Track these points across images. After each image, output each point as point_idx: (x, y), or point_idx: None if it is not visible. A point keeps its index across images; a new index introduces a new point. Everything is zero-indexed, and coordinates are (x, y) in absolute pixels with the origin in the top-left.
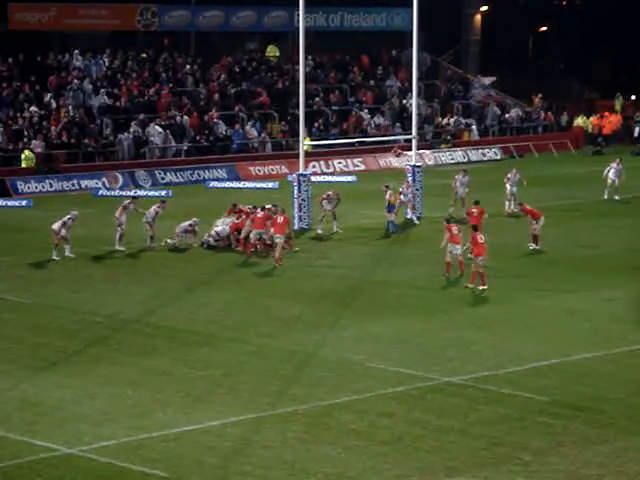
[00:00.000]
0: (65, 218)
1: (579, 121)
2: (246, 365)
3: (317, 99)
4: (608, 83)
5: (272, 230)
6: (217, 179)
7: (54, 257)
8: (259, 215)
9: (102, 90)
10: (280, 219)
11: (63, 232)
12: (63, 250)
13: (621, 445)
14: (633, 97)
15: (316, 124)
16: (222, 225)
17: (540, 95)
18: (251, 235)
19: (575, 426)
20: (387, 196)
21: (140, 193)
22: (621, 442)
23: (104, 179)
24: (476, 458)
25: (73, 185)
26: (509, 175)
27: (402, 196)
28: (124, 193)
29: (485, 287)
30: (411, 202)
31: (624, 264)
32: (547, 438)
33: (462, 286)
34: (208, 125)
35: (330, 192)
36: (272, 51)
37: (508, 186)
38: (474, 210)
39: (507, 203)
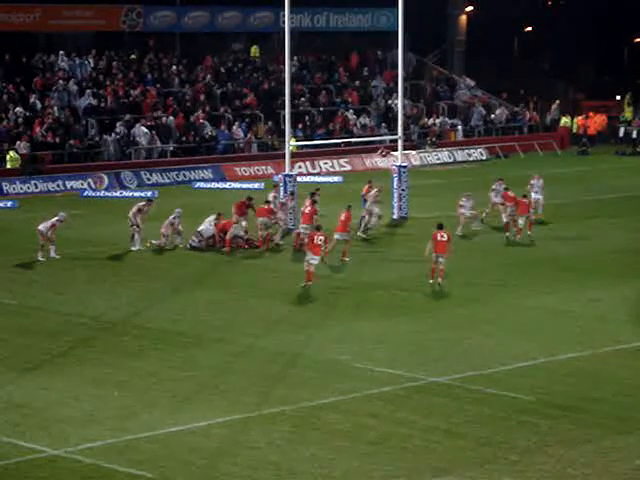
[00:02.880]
0: (54, 220)
1: (563, 121)
2: (232, 366)
3: (303, 99)
4: (593, 83)
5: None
6: (203, 180)
7: (39, 258)
8: (307, 211)
9: (87, 91)
10: (342, 216)
11: (49, 233)
12: (48, 251)
13: (607, 444)
14: (618, 97)
15: (302, 125)
16: (206, 224)
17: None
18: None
19: (561, 426)
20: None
21: (125, 194)
22: (607, 441)
23: (89, 180)
24: (462, 458)
25: (58, 186)
26: (532, 181)
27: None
28: (110, 194)
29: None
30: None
31: (610, 264)
32: (533, 438)
33: (447, 287)
34: (194, 126)
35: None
36: (256, 51)
37: (533, 194)
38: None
39: (531, 211)
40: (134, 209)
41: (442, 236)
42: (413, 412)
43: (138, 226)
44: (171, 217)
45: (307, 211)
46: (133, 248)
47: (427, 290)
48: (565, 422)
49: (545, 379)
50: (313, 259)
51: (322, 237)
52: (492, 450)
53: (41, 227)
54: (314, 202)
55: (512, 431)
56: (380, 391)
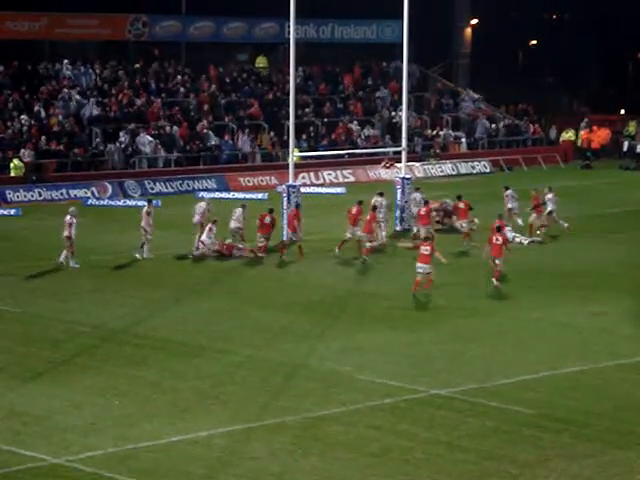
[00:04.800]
0: (67, 219)
1: (567, 135)
2: (234, 376)
3: (307, 110)
4: (597, 97)
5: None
6: (206, 189)
7: (73, 264)
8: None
9: (92, 100)
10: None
11: (72, 232)
12: (67, 257)
13: (608, 459)
14: (622, 111)
15: (306, 135)
16: (206, 234)
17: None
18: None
19: (563, 440)
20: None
21: (129, 203)
22: (608, 456)
23: (93, 189)
24: (464, 471)
25: (62, 194)
26: (549, 195)
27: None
28: (113, 203)
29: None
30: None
31: (613, 278)
32: (535, 452)
33: (449, 299)
34: (198, 135)
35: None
36: (261, 62)
37: (549, 207)
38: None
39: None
40: (143, 215)
41: (497, 239)
42: (415, 424)
43: (146, 231)
44: (209, 225)
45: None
46: (137, 255)
47: (428, 302)
48: (567, 436)
49: (547, 392)
50: (421, 267)
51: (429, 247)
52: (493, 464)
53: (65, 233)
54: (359, 203)
55: (514, 444)
56: (382, 403)
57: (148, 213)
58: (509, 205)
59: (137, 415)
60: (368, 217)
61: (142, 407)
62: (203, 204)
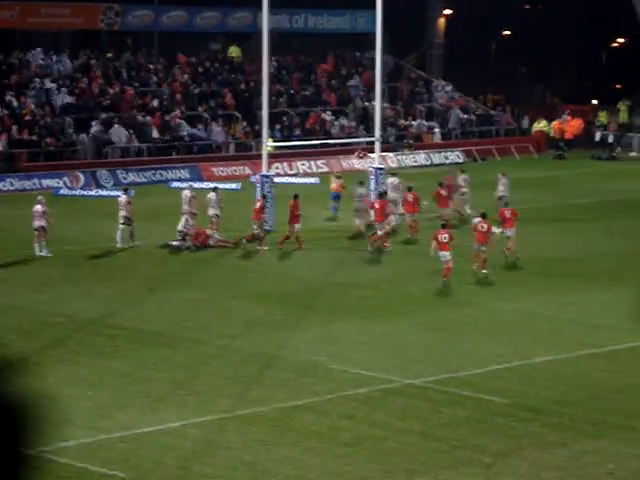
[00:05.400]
0: (39, 209)
1: (539, 125)
2: (208, 366)
3: (281, 100)
4: (571, 87)
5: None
6: (179, 179)
7: (46, 253)
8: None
9: (64, 89)
10: (377, 205)
11: (42, 223)
12: (40, 247)
13: (580, 448)
14: (595, 102)
15: (279, 125)
16: (182, 224)
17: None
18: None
19: (535, 429)
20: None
21: (101, 193)
22: (580, 445)
23: (65, 178)
24: (437, 460)
25: (34, 184)
26: (502, 181)
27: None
28: (85, 193)
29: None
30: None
31: (586, 268)
32: (507, 441)
33: (424, 288)
34: (171, 125)
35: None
36: (234, 51)
37: (501, 193)
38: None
39: None
40: (124, 205)
41: (482, 226)
42: (388, 414)
43: (130, 219)
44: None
45: (377, 206)
46: (133, 244)
47: (402, 291)
48: (539, 425)
49: (520, 382)
50: (444, 256)
51: (447, 234)
52: (466, 452)
53: (40, 223)
54: (381, 194)
55: (486, 434)
56: (355, 393)
57: (129, 202)
58: (501, 193)
59: (110, 406)
60: (377, 205)
61: (115, 398)
62: (187, 192)
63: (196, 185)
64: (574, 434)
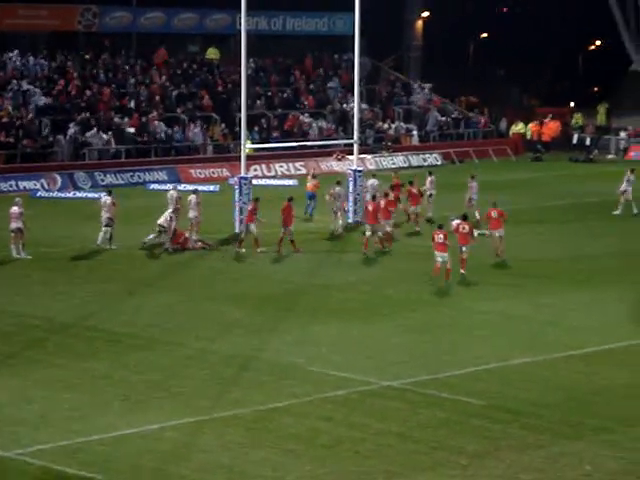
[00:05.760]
0: (16, 210)
1: (517, 128)
2: (186, 369)
3: (259, 102)
4: (548, 90)
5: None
6: (157, 181)
7: (25, 256)
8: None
9: (41, 90)
10: (382, 203)
11: (18, 225)
12: (18, 249)
13: (557, 450)
14: (572, 104)
15: (257, 127)
16: (165, 219)
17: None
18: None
19: (512, 430)
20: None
21: (79, 195)
22: (558, 447)
23: (43, 180)
24: (415, 462)
25: (11, 186)
26: (472, 184)
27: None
28: (63, 195)
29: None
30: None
31: (562, 270)
32: (485, 442)
33: (404, 291)
34: (149, 127)
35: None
36: (212, 53)
37: (472, 195)
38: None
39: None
40: (108, 206)
41: (463, 228)
42: (366, 416)
43: (113, 221)
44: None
45: (382, 206)
46: (109, 247)
47: (381, 293)
48: (517, 427)
49: (498, 384)
50: (441, 256)
51: (442, 235)
52: (444, 454)
53: (17, 225)
54: (387, 194)
55: (464, 435)
56: (334, 395)
57: (114, 204)
58: (472, 195)
59: (88, 408)
60: (370, 207)
61: (93, 400)
62: (173, 192)
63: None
64: (552, 436)
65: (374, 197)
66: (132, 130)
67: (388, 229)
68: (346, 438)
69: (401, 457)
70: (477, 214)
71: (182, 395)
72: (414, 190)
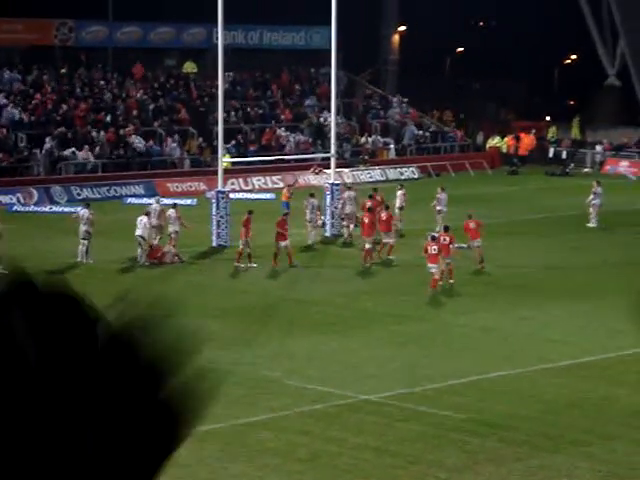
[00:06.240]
0: None
1: (493, 141)
2: None
3: (236, 116)
4: (524, 104)
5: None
6: (134, 195)
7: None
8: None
9: (17, 105)
10: (384, 216)
11: None
12: None
13: (536, 463)
14: (548, 118)
15: (235, 141)
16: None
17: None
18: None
19: (490, 444)
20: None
21: (55, 209)
22: (535, 460)
23: (19, 195)
24: (392, 476)
25: None
26: (441, 195)
27: None
28: (39, 209)
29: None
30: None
31: (539, 283)
32: (463, 456)
33: (381, 304)
34: (126, 141)
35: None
36: (189, 67)
37: (439, 207)
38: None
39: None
40: (87, 220)
41: (445, 239)
42: (344, 430)
43: (90, 235)
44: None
45: (384, 218)
46: (86, 261)
47: (358, 307)
48: (495, 440)
49: (475, 397)
50: (433, 267)
51: (436, 246)
52: (422, 468)
53: None
54: (387, 207)
55: (442, 449)
56: (311, 409)
57: (91, 217)
58: (439, 207)
59: None
60: (367, 220)
61: None
62: (156, 206)
63: (151, 201)
64: (530, 449)
65: (370, 209)
66: (109, 150)
67: (391, 240)
68: (323, 452)
69: (378, 471)
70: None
71: None
72: (378, 199)
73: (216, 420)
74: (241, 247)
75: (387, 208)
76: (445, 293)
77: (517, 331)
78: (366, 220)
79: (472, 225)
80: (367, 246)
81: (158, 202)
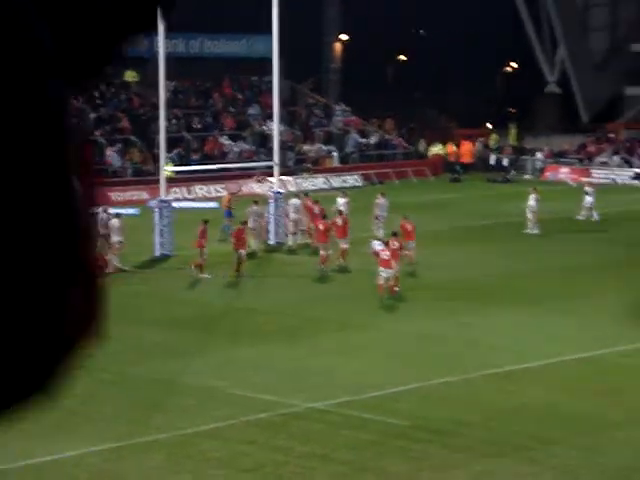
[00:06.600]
0: None
1: (436, 149)
2: (105, 393)
3: (178, 125)
4: (465, 111)
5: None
6: None
7: None
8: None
9: None
10: (339, 221)
11: None
12: None
13: (479, 469)
14: (489, 125)
15: (177, 150)
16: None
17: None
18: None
19: (434, 450)
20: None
21: None
22: (479, 466)
23: None
24: None
25: None
26: (380, 200)
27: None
28: None
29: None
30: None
31: (481, 289)
32: (407, 463)
33: (326, 312)
34: None
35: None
36: (130, 76)
37: (377, 212)
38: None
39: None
40: None
41: (394, 244)
42: (290, 438)
43: None
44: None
45: (339, 223)
46: None
47: (303, 315)
48: (438, 447)
49: (419, 404)
50: (386, 272)
51: (389, 251)
52: (367, 476)
53: None
54: (340, 212)
55: (387, 456)
56: (257, 418)
57: None
58: (378, 213)
59: (4, 435)
60: (322, 227)
61: (9, 427)
62: (103, 215)
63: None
64: (473, 455)
65: (325, 216)
66: None
67: (344, 246)
68: (269, 461)
69: (324, 479)
70: (382, 231)
71: (102, 421)
72: (309, 204)
73: (160, 430)
74: (200, 257)
75: (340, 213)
76: (390, 300)
77: (459, 337)
78: (321, 227)
79: (409, 227)
80: (322, 252)
81: (105, 211)
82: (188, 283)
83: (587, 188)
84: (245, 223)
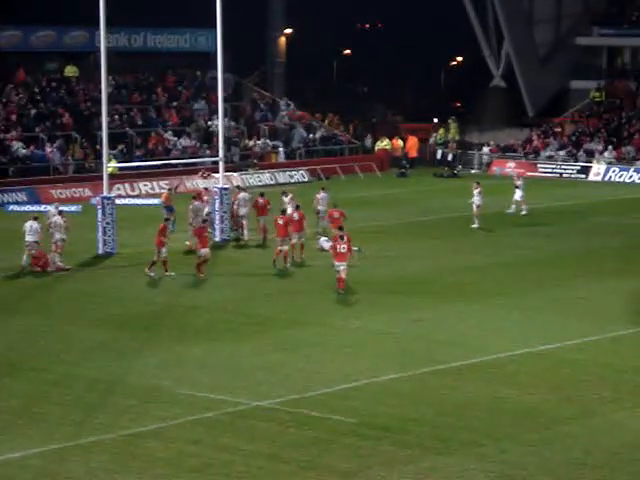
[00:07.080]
0: None
1: (382, 144)
2: (48, 394)
3: (120, 120)
4: (411, 106)
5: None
6: (17, 203)
7: None
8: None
9: None
10: (296, 216)
11: None
12: None
13: (427, 465)
14: (435, 120)
15: (120, 146)
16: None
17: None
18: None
19: (383, 447)
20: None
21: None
22: (427, 462)
23: None
24: None
25: None
26: (320, 195)
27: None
28: None
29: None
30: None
31: (430, 284)
32: (355, 460)
33: (272, 309)
34: (5, 147)
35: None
36: (71, 71)
37: (319, 207)
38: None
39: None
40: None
41: (343, 238)
42: (236, 437)
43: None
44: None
45: (296, 218)
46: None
47: (250, 312)
48: (387, 444)
49: (367, 401)
50: (340, 265)
51: (345, 245)
52: (314, 473)
53: None
54: (298, 207)
55: (335, 454)
56: (202, 417)
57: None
58: (319, 207)
59: None
60: (281, 222)
61: None
62: (54, 211)
63: (34, 208)
64: (422, 451)
65: (284, 211)
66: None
67: (294, 241)
68: (216, 461)
69: (271, 478)
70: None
71: (45, 422)
72: (261, 201)
73: (105, 431)
74: (163, 255)
75: (298, 208)
76: (341, 296)
77: (407, 333)
78: (280, 222)
79: (336, 214)
80: (281, 247)
81: (57, 208)
82: (131, 281)
83: (517, 181)
84: (206, 222)
